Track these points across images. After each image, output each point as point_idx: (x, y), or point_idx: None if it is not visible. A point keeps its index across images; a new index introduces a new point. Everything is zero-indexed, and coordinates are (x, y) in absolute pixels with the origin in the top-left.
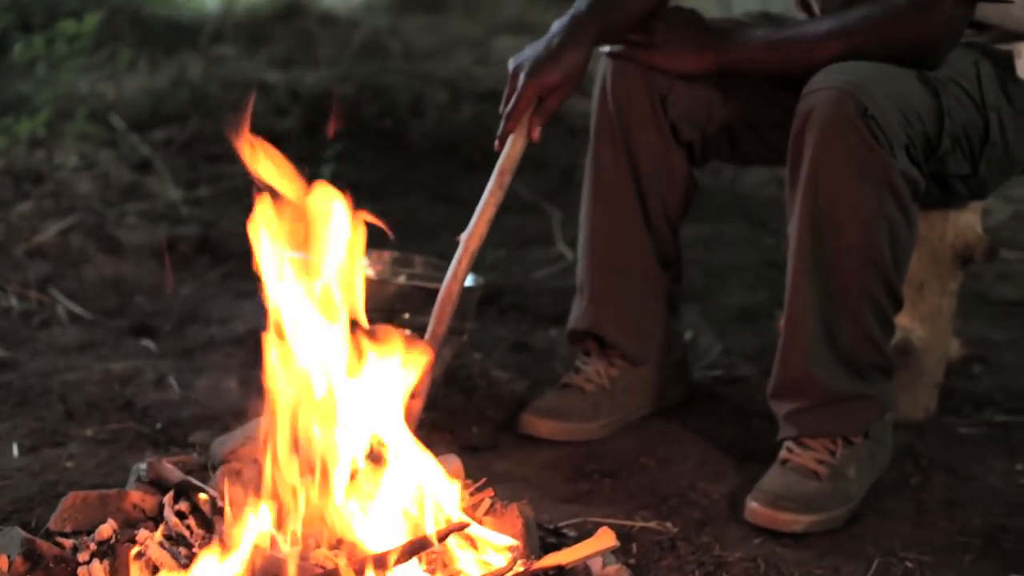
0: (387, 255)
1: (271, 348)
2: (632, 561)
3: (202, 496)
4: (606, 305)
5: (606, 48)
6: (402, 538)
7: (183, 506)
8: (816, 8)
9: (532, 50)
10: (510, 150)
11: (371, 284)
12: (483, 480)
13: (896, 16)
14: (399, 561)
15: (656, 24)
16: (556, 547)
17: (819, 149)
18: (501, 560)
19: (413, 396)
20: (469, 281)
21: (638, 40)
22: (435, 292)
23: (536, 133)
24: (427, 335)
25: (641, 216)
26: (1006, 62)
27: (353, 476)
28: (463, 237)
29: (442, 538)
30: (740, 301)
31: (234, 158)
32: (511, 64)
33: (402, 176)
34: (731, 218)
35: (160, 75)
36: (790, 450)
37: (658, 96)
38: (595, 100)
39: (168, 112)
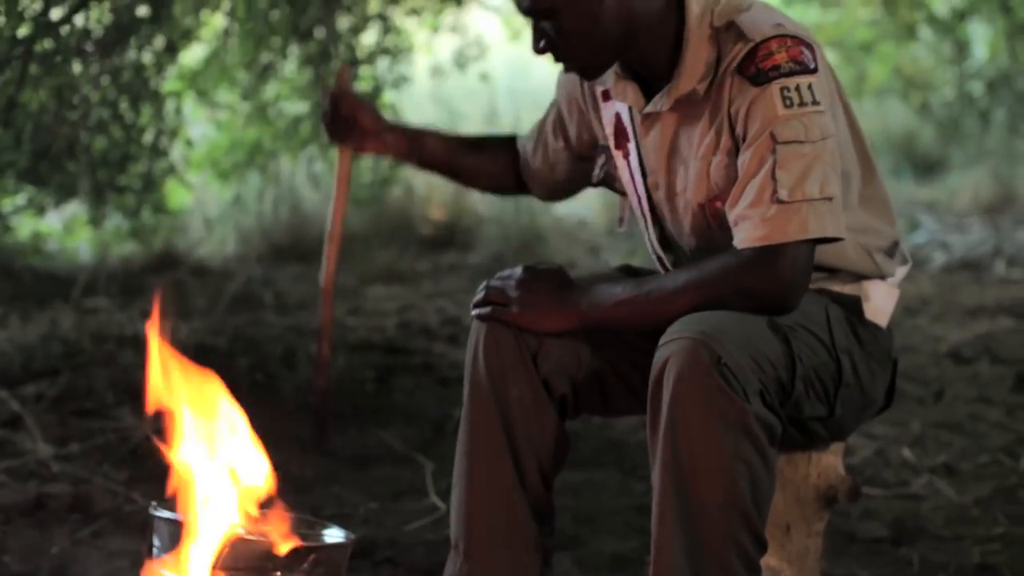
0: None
1: None
2: None
3: None
4: (481, 562)
5: (475, 311)
6: None
7: None
8: (667, 262)
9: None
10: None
11: (242, 543)
12: None
13: (746, 265)
14: None
15: (520, 285)
16: None
17: (676, 398)
18: None
19: None
20: (339, 537)
21: (503, 302)
22: (306, 549)
23: None
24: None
25: (515, 473)
26: (854, 306)
27: None
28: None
29: None
30: (612, 548)
31: (105, 413)
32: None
33: (275, 429)
34: (602, 464)
35: (31, 328)
36: None
37: (529, 354)
38: (468, 360)
39: (39, 367)
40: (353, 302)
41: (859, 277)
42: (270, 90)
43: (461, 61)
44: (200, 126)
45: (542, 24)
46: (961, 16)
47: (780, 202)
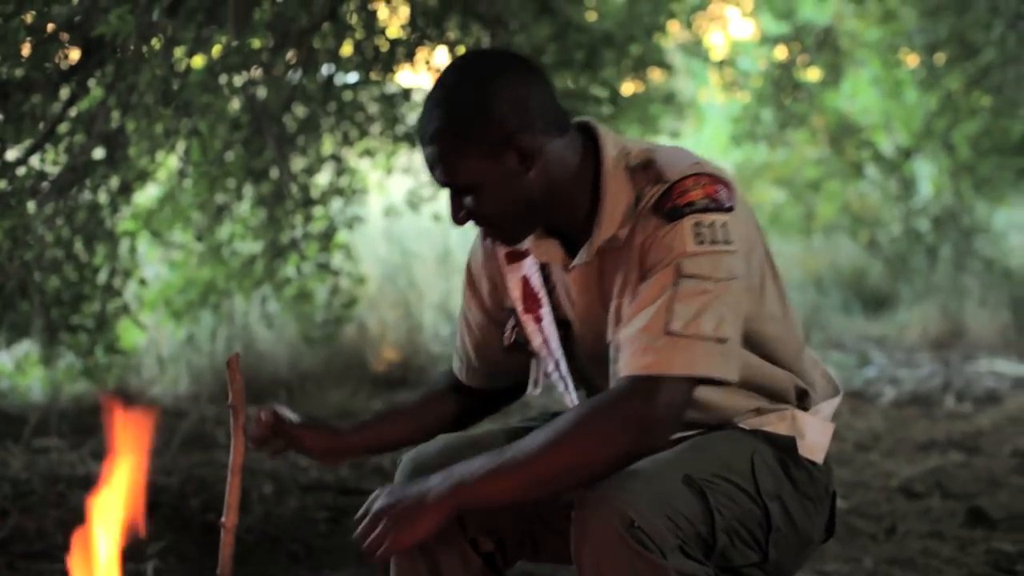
0: None
1: None
2: None
3: None
4: None
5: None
6: None
7: None
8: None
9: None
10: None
11: None
12: None
13: (623, 393)
14: None
15: (381, 512)
16: None
17: (593, 562)
18: None
19: None
20: None
21: (375, 534)
22: None
23: None
24: None
25: None
26: (788, 447)
27: None
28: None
29: None
30: None
31: (55, 555)
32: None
33: None
34: None
35: None
36: None
37: (455, 516)
38: None
39: None
40: None
41: (783, 400)
42: (224, 230)
43: (414, 201)
44: (154, 266)
45: (458, 198)
46: (906, 154)
47: (671, 334)
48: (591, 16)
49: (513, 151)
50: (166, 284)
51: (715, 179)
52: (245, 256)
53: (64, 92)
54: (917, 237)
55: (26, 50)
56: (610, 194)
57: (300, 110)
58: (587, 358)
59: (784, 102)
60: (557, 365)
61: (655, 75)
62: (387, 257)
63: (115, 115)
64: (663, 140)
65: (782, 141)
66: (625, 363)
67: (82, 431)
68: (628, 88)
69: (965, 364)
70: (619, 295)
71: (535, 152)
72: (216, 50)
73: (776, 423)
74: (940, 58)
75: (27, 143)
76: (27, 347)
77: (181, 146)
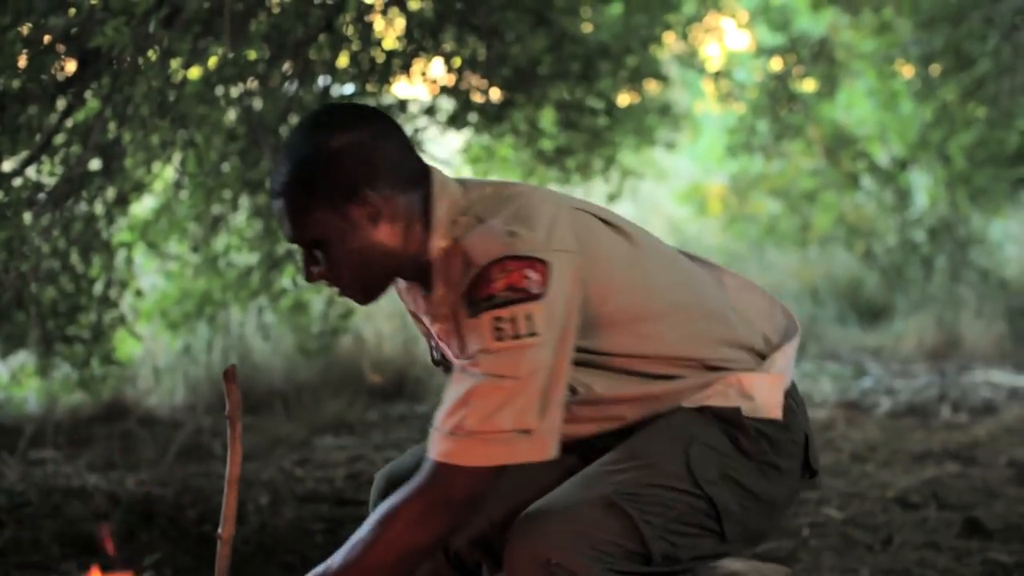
0: None
1: None
2: None
3: None
4: None
5: None
6: None
7: None
8: None
9: None
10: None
11: None
12: None
13: (426, 481)
14: None
15: None
16: None
17: None
18: None
19: None
20: None
21: None
22: None
23: None
24: None
25: None
26: (735, 419)
27: None
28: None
29: None
30: None
31: (51, 566)
32: None
33: None
34: None
35: None
36: None
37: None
38: None
39: None
40: (302, 453)
41: (710, 369)
42: (220, 241)
43: None
44: (150, 277)
45: (309, 253)
46: (902, 165)
47: (469, 432)
48: (587, 27)
49: (359, 206)
50: (162, 295)
51: (524, 262)
52: (241, 267)
53: (60, 103)
54: (913, 248)
55: (23, 61)
56: (436, 267)
57: (296, 121)
58: None
59: (780, 113)
60: None
61: (651, 86)
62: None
63: (111, 126)
64: (659, 151)
65: (778, 152)
66: (431, 442)
67: (78, 442)
68: (624, 99)
69: (961, 375)
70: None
71: (382, 207)
72: (212, 62)
73: (722, 393)
74: (935, 69)
75: (23, 154)
76: (23, 358)
77: (177, 157)
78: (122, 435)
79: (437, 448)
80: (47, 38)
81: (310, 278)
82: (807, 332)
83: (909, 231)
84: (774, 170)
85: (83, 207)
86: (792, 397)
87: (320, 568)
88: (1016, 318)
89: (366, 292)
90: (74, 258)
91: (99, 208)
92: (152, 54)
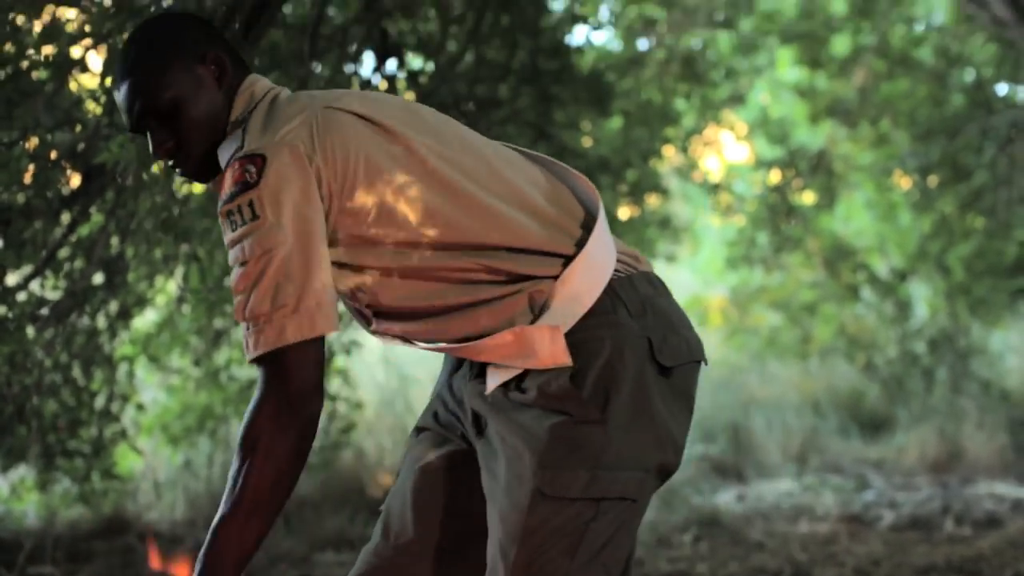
0: None
1: None
2: None
3: None
4: None
5: None
6: None
7: None
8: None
9: None
10: None
11: None
12: None
13: (255, 416)
14: None
15: None
16: None
17: None
18: None
19: None
20: None
21: None
22: None
23: None
24: None
25: None
26: (528, 402)
27: None
28: None
29: None
30: None
31: None
32: None
33: None
34: None
35: None
36: None
37: None
38: None
39: None
40: (303, 569)
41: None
42: (222, 355)
43: None
44: (152, 391)
45: (160, 127)
46: (902, 276)
47: (243, 321)
48: (587, 142)
49: (206, 65)
50: (164, 409)
51: (245, 160)
52: (243, 381)
53: (65, 218)
54: (913, 359)
55: (28, 176)
56: (222, 148)
57: None
58: None
59: (779, 225)
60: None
61: (651, 199)
62: (385, 382)
63: (115, 241)
64: (659, 264)
65: (778, 264)
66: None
67: (77, 558)
68: (625, 212)
69: (964, 487)
70: None
71: (227, 67)
72: None
73: (506, 356)
74: (933, 181)
75: (28, 269)
76: (23, 472)
77: (180, 271)
78: (123, 550)
79: (246, 348)
80: (53, 153)
81: (161, 155)
82: (808, 444)
83: (910, 342)
84: (774, 282)
85: (86, 321)
86: (608, 295)
87: (214, 521)
88: (1018, 429)
89: (199, 162)
90: (76, 372)
91: (101, 322)
92: (156, 169)
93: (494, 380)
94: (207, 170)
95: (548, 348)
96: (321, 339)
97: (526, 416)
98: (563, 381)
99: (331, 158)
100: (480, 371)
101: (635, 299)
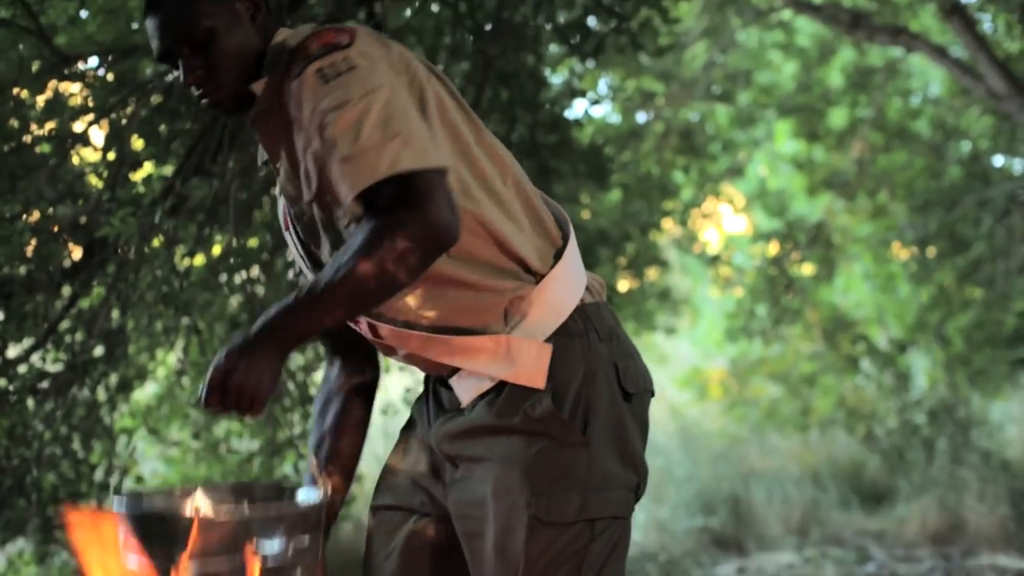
0: (223, 486)
1: None
2: None
3: None
4: None
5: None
6: None
7: None
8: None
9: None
10: None
11: (210, 524)
12: None
13: (376, 216)
14: None
15: (219, 376)
16: None
17: None
18: None
19: None
20: (312, 498)
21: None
22: (277, 514)
23: None
24: None
25: None
26: (517, 427)
27: None
28: None
29: None
30: None
31: None
32: None
33: None
34: None
35: None
36: None
37: None
38: None
39: None
40: None
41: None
42: (221, 428)
43: (411, 399)
44: (151, 463)
45: (192, 55)
46: (901, 347)
47: (346, 159)
48: (586, 214)
49: (241, 1)
50: (163, 481)
51: (333, 31)
52: (242, 454)
53: (66, 290)
54: (914, 430)
55: (30, 250)
56: (268, 62)
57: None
58: (313, 241)
59: (778, 297)
60: (304, 261)
61: (650, 272)
62: (383, 455)
63: (116, 313)
64: (659, 336)
65: (777, 336)
66: (346, 198)
67: None
68: (624, 285)
69: (966, 559)
70: (295, 159)
71: (260, 8)
72: (216, 249)
73: (482, 362)
74: (931, 252)
75: (28, 341)
76: (21, 545)
77: (180, 344)
78: None
79: (347, 187)
80: (55, 227)
81: (191, 82)
82: (809, 516)
83: (909, 413)
84: (774, 354)
85: (86, 393)
86: (581, 318)
87: (300, 292)
88: (1020, 501)
89: (229, 91)
90: (76, 444)
91: (102, 394)
92: (157, 242)
93: (466, 393)
94: (234, 102)
95: (531, 364)
96: (445, 175)
97: (511, 444)
98: (547, 404)
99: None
100: (448, 407)
101: (604, 326)
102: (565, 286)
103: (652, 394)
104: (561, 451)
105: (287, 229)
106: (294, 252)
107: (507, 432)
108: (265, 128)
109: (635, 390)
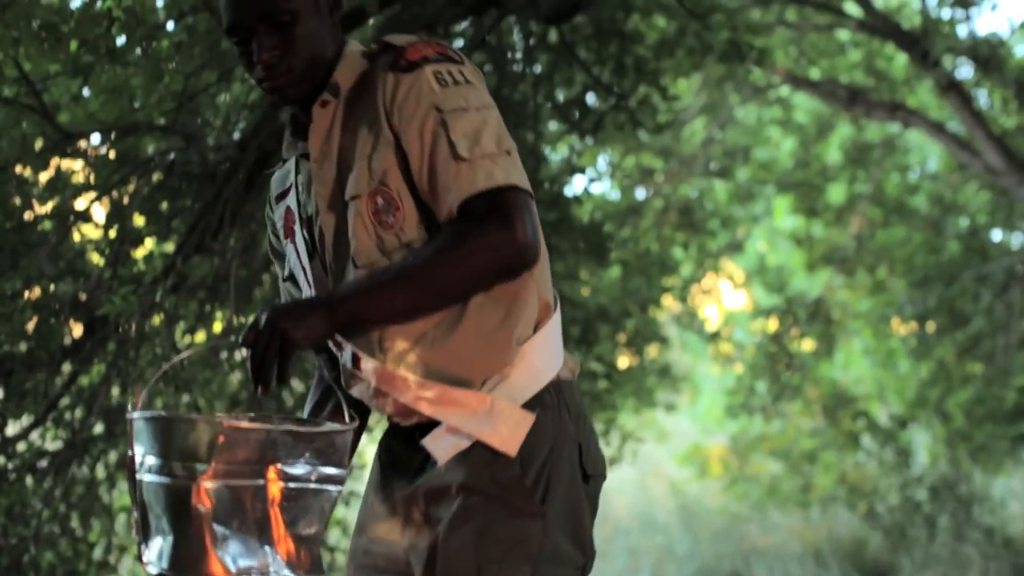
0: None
1: None
2: None
3: None
4: None
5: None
6: None
7: None
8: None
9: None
10: None
11: (237, 432)
12: None
13: (465, 225)
14: None
15: (271, 320)
16: None
17: None
18: None
19: None
20: (340, 424)
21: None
22: (304, 436)
23: None
24: None
25: None
26: (500, 465)
27: None
28: None
29: None
30: None
31: None
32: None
33: None
34: None
35: None
36: None
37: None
38: None
39: None
40: None
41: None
42: None
43: None
44: None
45: (268, 34)
46: (902, 423)
47: (461, 159)
48: (585, 291)
49: None
50: None
51: (441, 46)
52: None
53: (66, 368)
54: (915, 507)
55: (31, 327)
56: (347, 59)
57: (299, 386)
58: (330, 248)
59: (778, 374)
60: (306, 275)
61: (650, 348)
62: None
63: (115, 391)
64: (659, 413)
65: (777, 412)
66: (449, 204)
67: None
68: (624, 362)
69: None
70: (364, 152)
71: (339, 7)
72: (217, 326)
73: (460, 419)
74: (931, 327)
75: (28, 419)
76: None
77: None
78: None
79: (450, 200)
80: (56, 304)
81: (263, 61)
82: None
83: (911, 490)
84: (774, 430)
85: (85, 471)
86: (555, 392)
87: (375, 274)
88: None
89: (299, 84)
90: (74, 522)
91: (101, 472)
92: (158, 320)
93: (443, 451)
94: (297, 89)
95: (510, 430)
96: (533, 200)
97: (469, 506)
98: (515, 472)
99: None
100: (419, 469)
101: (574, 404)
102: (548, 354)
103: (604, 478)
104: (517, 520)
105: (288, 237)
106: (294, 262)
107: (469, 492)
108: (325, 119)
109: (593, 472)
